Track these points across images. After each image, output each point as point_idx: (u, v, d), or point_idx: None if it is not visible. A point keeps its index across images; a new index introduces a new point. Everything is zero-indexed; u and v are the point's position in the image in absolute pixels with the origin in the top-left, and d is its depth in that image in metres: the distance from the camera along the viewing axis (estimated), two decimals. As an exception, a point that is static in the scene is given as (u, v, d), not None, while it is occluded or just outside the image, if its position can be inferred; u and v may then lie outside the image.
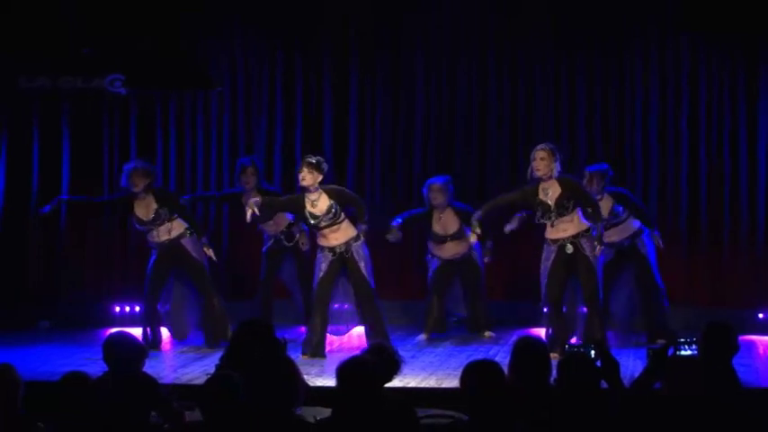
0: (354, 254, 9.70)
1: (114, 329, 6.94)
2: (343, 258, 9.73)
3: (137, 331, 9.45)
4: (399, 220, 10.36)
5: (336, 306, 10.11)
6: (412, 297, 11.59)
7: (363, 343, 9.74)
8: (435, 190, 10.52)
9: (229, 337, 9.90)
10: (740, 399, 5.90)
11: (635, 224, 10.34)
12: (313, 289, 9.84)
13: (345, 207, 9.74)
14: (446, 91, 11.95)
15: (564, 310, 9.82)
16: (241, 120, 12.09)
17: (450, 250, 10.69)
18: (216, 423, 5.39)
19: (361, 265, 9.70)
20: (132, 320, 11.60)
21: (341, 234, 9.69)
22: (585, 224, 9.62)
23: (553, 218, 9.57)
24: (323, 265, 9.73)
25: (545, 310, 10.09)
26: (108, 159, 12.05)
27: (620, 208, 10.26)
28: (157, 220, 10.12)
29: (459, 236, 10.61)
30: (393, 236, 10.29)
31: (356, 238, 9.72)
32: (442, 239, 10.65)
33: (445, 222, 10.61)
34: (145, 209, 10.14)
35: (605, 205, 10.13)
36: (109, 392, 6.09)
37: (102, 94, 11.73)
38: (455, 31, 11.88)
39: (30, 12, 11.49)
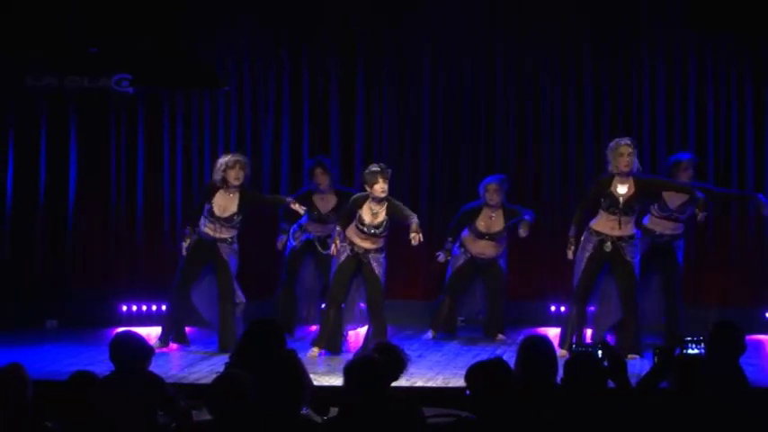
0: (372, 261, 9.72)
1: (121, 329, 6.94)
2: (359, 259, 9.75)
3: (144, 330, 9.44)
4: (451, 243, 10.56)
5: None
6: (422, 297, 11.59)
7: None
8: (492, 190, 10.51)
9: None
10: (747, 398, 5.89)
11: (681, 228, 10.16)
12: (329, 279, 9.88)
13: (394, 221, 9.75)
14: (453, 89, 11.94)
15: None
16: (248, 119, 12.09)
17: (481, 248, 10.67)
18: (224, 422, 5.39)
19: (376, 269, 9.70)
20: (139, 320, 11.62)
21: (369, 243, 9.73)
22: (633, 231, 9.59)
23: (618, 214, 9.53)
24: (341, 256, 9.75)
25: (553, 307, 10.08)
26: (115, 159, 12.06)
27: (692, 208, 10.01)
28: (228, 222, 10.02)
29: (496, 237, 10.60)
30: (443, 256, 10.50)
31: (378, 251, 9.74)
32: (480, 236, 10.63)
33: (494, 222, 10.59)
34: (225, 204, 10.01)
35: (680, 197, 9.95)
36: (116, 392, 6.10)
37: (109, 93, 11.72)
38: (461, 30, 11.87)
39: (35, 11, 11.50)
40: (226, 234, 10.06)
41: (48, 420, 5.73)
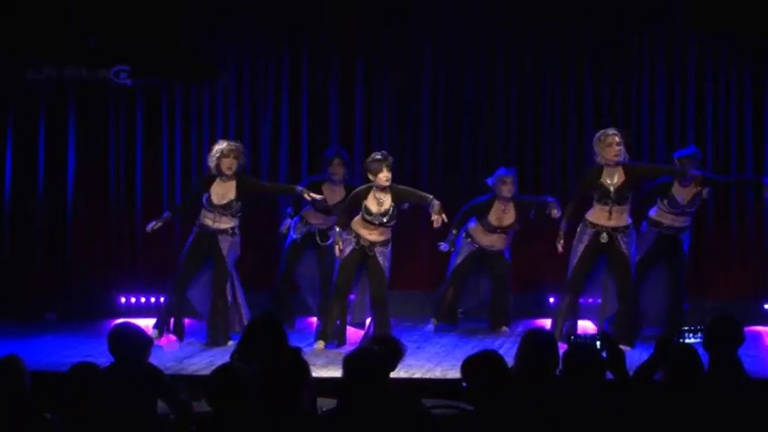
0: (378, 254, 9.65)
1: (120, 321, 6.94)
2: (364, 252, 9.70)
3: (143, 322, 9.45)
4: (454, 235, 10.42)
5: (352, 297, 10.09)
6: (423, 288, 11.58)
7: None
8: (509, 182, 10.41)
9: (227, 339, 9.91)
10: (745, 389, 5.89)
11: (688, 220, 10.20)
12: (335, 271, 9.83)
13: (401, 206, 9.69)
14: (453, 83, 11.91)
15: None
16: (246, 111, 12.07)
17: (492, 240, 10.61)
18: (222, 414, 5.39)
19: (382, 262, 9.64)
20: (138, 311, 11.62)
21: (376, 234, 9.67)
22: (628, 221, 9.59)
23: (611, 204, 9.52)
24: (347, 248, 9.67)
25: (552, 299, 10.02)
26: (114, 150, 12.03)
27: (699, 195, 10.10)
28: (226, 210, 9.99)
29: (508, 230, 10.58)
30: (447, 246, 10.38)
31: (384, 243, 9.68)
32: (492, 230, 10.57)
33: (506, 215, 10.51)
34: (222, 191, 10.00)
35: (690, 192, 10.02)
36: (115, 383, 6.10)
37: (108, 84, 11.73)
38: (461, 29, 11.85)
39: (35, 6, 11.51)
40: (225, 224, 10.05)
41: (47, 412, 5.73)
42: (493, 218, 10.52)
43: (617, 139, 9.52)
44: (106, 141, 12.03)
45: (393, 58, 11.92)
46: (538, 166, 11.83)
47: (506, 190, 10.41)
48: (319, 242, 10.64)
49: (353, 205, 9.71)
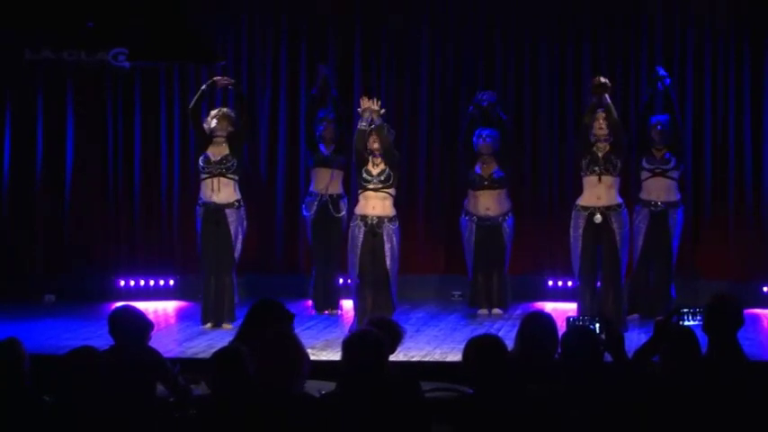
0: (385, 234, 9.57)
1: (119, 303, 6.95)
2: (373, 232, 9.63)
3: (142, 305, 9.45)
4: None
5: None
6: (417, 271, 11.59)
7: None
8: (484, 150, 10.57)
9: (228, 319, 9.89)
10: (745, 372, 5.90)
11: (677, 195, 10.37)
12: (349, 259, 9.71)
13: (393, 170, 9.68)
14: (451, 68, 11.89)
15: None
16: (244, 93, 12.03)
17: (484, 203, 10.62)
18: (223, 396, 5.40)
19: (387, 247, 9.54)
20: (138, 294, 11.62)
21: (380, 206, 9.60)
22: (618, 200, 9.63)
23: (599, 171, 9.57)
24: (359, 236, 9.58)
25: (551, 282, 10.02)
26: (112, 132, 12.02)
27: (682, 165, 10.43)
28: (224, 164, 9.99)
29: (498, 184, 10.59)
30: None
31: (392, 219, 9.62)
32: (480, 184, 10.60)
33: (488, 165, 10.62)
34: (217, 150, 10.05)
35: (662, 146, 10.32)
36: (115, 366, 6.10)
37: (106, 67, 11.70)
38: (461, 7, 11.83)
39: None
40: (229, 196, 10.00)
41: (46, 395, 5.73)
42: (479, 168, 10.60)
43: (602, 120, 9.62)
44: (105, 124, 12.01)
45: (392, 34, 11.90)
46: (535, 137, 11.79)
47: (485, 149, 10.59)
48: (334, 214, 10.67)
49: (360, 140, 9.59)
